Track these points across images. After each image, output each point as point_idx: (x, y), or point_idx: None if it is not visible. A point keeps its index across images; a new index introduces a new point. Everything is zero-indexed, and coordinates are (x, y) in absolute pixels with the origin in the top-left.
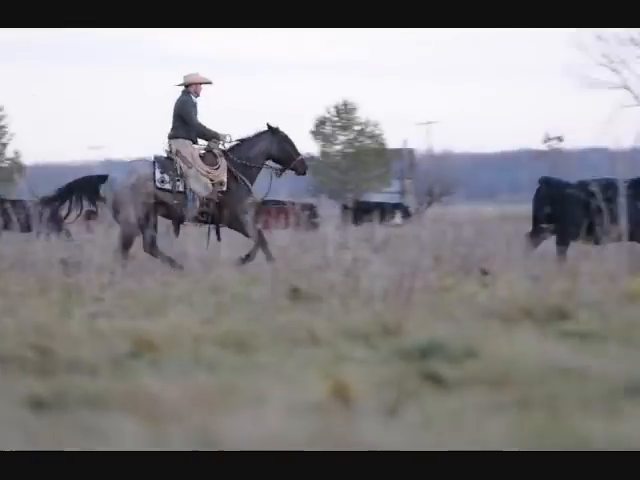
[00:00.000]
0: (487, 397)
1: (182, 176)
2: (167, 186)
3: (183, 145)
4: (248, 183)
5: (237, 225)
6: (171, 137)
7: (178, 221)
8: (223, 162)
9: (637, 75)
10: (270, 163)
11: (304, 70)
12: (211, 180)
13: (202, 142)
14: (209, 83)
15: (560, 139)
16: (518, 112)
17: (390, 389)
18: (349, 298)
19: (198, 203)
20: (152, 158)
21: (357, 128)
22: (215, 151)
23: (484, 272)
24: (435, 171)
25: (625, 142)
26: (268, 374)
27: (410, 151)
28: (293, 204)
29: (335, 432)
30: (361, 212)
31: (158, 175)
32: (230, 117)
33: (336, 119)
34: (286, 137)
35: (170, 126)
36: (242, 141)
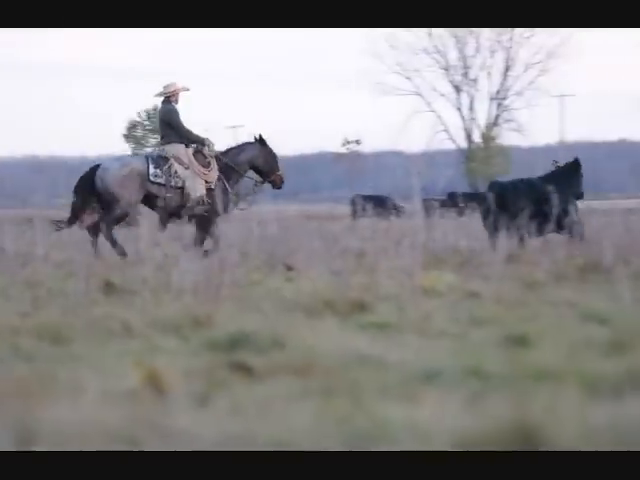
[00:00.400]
0: (293, 385)
1: (177, 175)
2: (160, 180)
3: (177, 148)
4: (230, 187)
5: (207, 223)
6: (164, 143)
7: (167, 214)
8: (214, 164)
9: (428, 83)
10: (251, 173)
11: (116, 74)
12: (205, 181)
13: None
14: (187, 90)
15: (358, 142)
16: (318, 116)
17: (200, 378)
18: (161, 292)
19: (193, 201)
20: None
21: None
22: (205, 153)
23: (288, 267)
24: None
25: (418, 145)
26: (84, 364)
27: None
28: None
29: (149, 419)
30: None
31: (152, 170)
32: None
33: (147, 123)
34: (271, 151)
35: (160, 134)
36: (230, 148)
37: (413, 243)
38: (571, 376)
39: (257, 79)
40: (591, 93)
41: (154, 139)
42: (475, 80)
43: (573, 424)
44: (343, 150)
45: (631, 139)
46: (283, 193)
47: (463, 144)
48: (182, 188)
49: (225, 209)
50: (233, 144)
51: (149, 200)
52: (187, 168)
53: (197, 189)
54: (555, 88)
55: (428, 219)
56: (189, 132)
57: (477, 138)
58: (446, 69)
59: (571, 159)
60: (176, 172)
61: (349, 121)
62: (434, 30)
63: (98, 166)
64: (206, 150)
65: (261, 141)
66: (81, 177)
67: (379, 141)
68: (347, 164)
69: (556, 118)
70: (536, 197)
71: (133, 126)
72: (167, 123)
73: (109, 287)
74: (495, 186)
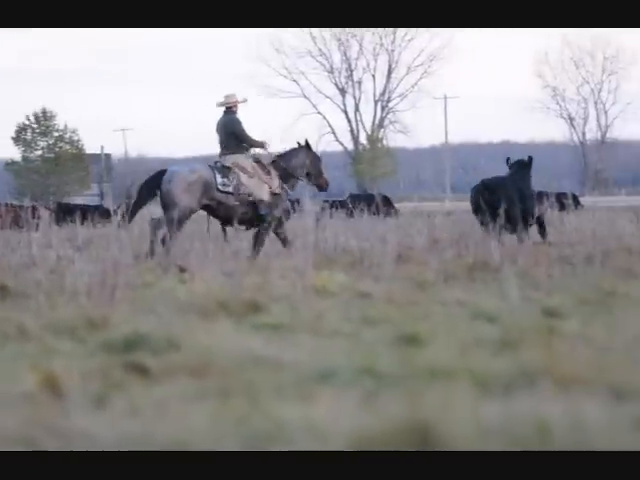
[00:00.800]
0: (190, 386)
1: (243, 184)
2: (229, 189)
3: (239, 159)
4: (289, 191)
5: (267, 229)
6: (226, 153)
7: (229, 221)
8: (273, 171)
9: (314, 85)
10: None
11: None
12: (269, 187)
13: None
14: (246, 101)
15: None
16: (207, 117)
17: (97, 380)
18: (55, 294)
19: (261, 207)
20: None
21: (56, 134)
22: (264, 162)
23: (182, 269)
24: (131, 174)
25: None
26: None
27: (107, 156)
28: (6, 205)
29: (46, 421)
30: (63, 214)
31: (219, 179)
32: None
33: (36, 126)
34: (317, 155)
35: (222, 143)
36: (283, 153)
37: (304, 243)
38: (463, 374)
39: (147, 80)
40: (475, 95)
41: (43, 142)
42: (359, 82)
43: (466, 421)
44: None
45: (514, 140)
46: None
47: (350, 146)
48: (249, 196)
49: (287, 215)
50: (283, 150)
51: (212, 208)
52: (252, 177)
53: (264, 196)
54: (438, 90)
55: (319, 220)
56: (252, 140)
57: (363, 140)
58: (331, 72)
59: (522, 157)
60: (242, 181)
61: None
62: (317, 33)
63: (165, 170)
64: (265, 155)
65: (308, 146)
66: (147, 179)
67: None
68: None
69: (441, 120)
70: (521, 195)
71: (22, 129)
72: (231, 132)
73: (3, 290)
74: (486, 185)
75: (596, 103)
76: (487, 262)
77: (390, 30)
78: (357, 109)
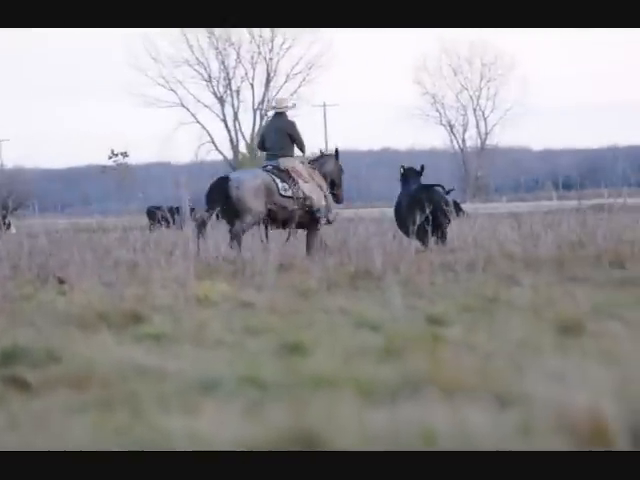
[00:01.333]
0: (71, 399)
1: (300, 188)
2: (289, 193)
3: (294, 162)
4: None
5: (317, 231)
6: (280, 156)
7: (287, 226)
8: (317, 175)
9: (192, 94)
10: None
11: None
12: (323, 191)
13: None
14: (295, 106)
15: (125, 154)
16: (84, 128)
17: None
18: None
19: (318, 212)
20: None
21: None
22: (310, 165)
23: (60, 280)
24: (7, 186)
25: (185, 156)
26: None
27: None
28: None
29: None
30: None
31: (280, 184)
32: None
33: None
34: (341, 167)
35: (273, 147)
36: (314, 159)
37: (185, 253)
38: (347, 382)
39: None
40: (355, 102)
41: None
42: (238, 91)
43: (351, 429)
44: (111, 163)
45: (395, 148)
46: (51, 206)
47: (230, 155)
48: (306, 200)
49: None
50: (312, 155)
51: (274, 212)
52: (307, 181)
53: (321, 200)
54: (318, 98)
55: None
56: (303, 142)
57: (243, 149)
58: (209, 80)
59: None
60: (300, 186)
61: (116, 133)
62: (195, 42)
63: (227, 177)
64: (308, 164)
65: (337, 155)
66: (211, 187)
67: (147, 153)
68: (115, 176)
69: (320, 128)
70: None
71: None
72: (288, 135)
73: None
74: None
75: (475, 110)
76: (369, 270)
77: (268, 38)
78: (236, 118)
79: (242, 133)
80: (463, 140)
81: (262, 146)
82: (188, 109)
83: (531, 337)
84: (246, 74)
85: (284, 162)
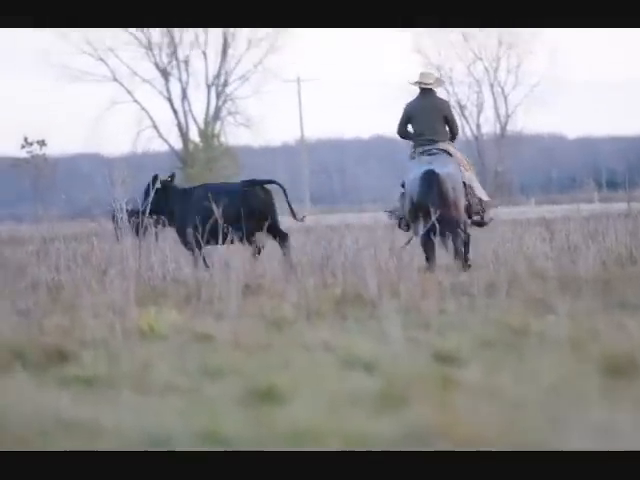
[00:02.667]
0: None
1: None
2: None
3: (453, 148)
4: None
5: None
6: (438, 141)
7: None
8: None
9: (127, 65)
10: None
11: None
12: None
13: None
14: (443, 84)
15: (42, 143)
16: None
17: None
18: None
19: (486, 205)
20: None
21: None
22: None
23: None
24: None
25: (121, 146)
26: None
27: None
28: None
29: None
30: None
31: (463, 172)
32: None
33: None
34: None
35: (430, 129)
36: None
37: (123, 272)
38: (334, 438)
39: None
40: (338, 78)
41: None
42: (186, 61)
43: None
44: (24, 154)
45: (388, 136)
46: None
47: (178, 144)
48: (476, 192)
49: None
50: None
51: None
52: (467, 170)
53: (484, 195)
54: (290, 71)
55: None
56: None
57: (195, 136)
58: (148, 47)
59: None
60: (466, 176)
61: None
62: None
63: (432, 171)
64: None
65: None
66: (426, 182)
67: (70, 141)
68: (30, 171)
69: (294, 110)
70: None
71: None
72: (443, 116)
73: None
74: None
75: (492, 86)
76: (360, 294)
77: None
78: (185, 96)
79: (193, 116)
80: (478, 125)
81: (404, 129)
82: (122, 84)
83: (570, 380)
84: (197, 39)
85: (446, 148)
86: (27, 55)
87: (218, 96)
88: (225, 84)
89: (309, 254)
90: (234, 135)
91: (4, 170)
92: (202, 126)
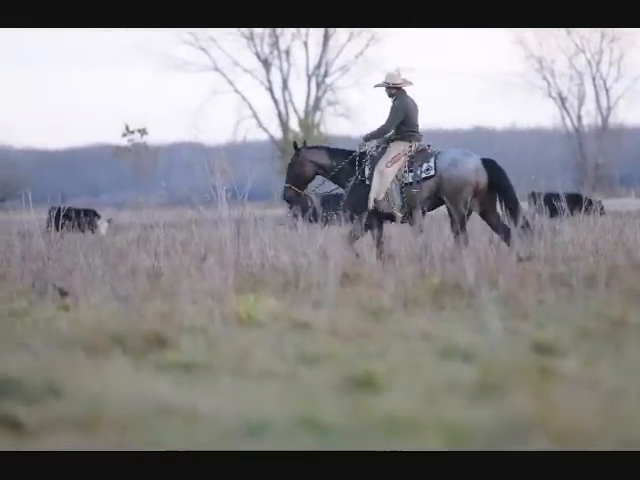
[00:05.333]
0: (75, 444)
1: None
2: None
3: None
4: None
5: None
6: (419, 138)
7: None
8: None
9: (229, 55)
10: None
11: None
12: None
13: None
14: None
15: (144, 132)
16: (90, 100)
17: None
18: None
19: None
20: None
21: None
22: None
23: (62, 292)
24: None
25: (221, 135)
26: None
27: None
28: None
29: None
30: None
31: None
32: None
33: None
34: None
35: (416, 127)
36: None
37: (222, 259)
38: (431, 427)
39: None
40: (437, 69)
41: None
42: (287, 52)
43: None
44: (125, 142)
45: (489, 126)
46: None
47: (278, 134)
48: None
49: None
50: None
51: None
52: None
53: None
54: (390, 62)
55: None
56: None
57: (295, 126)
58: (250, 38)
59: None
60: None
61: (130, 106)
62: None
63: (490, 160)
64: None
65: None
66: (496, 173)
67: (171, 130)
68: (131, 160)
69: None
70: None
71: None
72: (407, 116)
73: None
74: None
75: (594, 78)
76: (459, 284)
77: None
78: (285, 86)
79: (293, 106)
80: (579, 117)
81: (397, 125)
82: (224, 74)
83: None
84: (298, 30)
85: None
86: (128, 44)
87: (318, 86)
88: (326, 74)
89: (407, 244)
90: (334, 125)
91: (106, 158)
92: (302, 116)
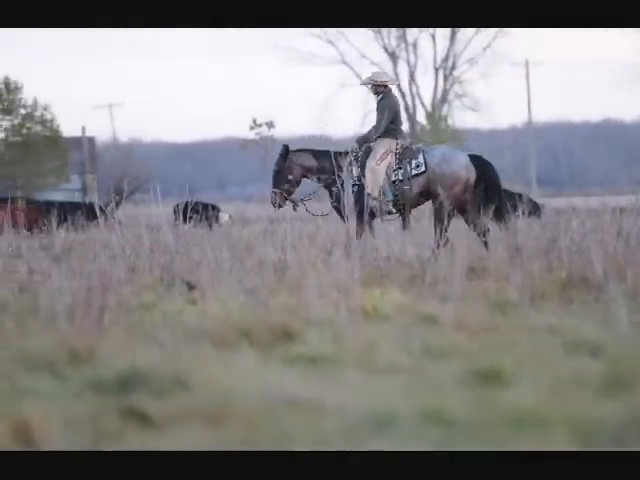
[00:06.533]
0: (203, 436)
1: None
2: None
3: None
4: None
5: None
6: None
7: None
8: None
9: (356, 48)
10: None
11: None
12: None
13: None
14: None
15: (271, 125)
16: (219, 93)
17: (84, 428)
18: (26, 318)
19: None
20: None
21: (23, 112)
22: None
23: (190, 286)
24: (122, 163)
25: (348, 128)
26: None
27: (90, 140)
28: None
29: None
30: (34, 213)
31: None
32: None
33: None
34: None
35: (393, 125)
36: None
37: (348, 253)
38: (558, 421)
39: (141, 45)
40: (567, 60)
41: (7, 121)
42: (415, 45)
43: None
44: (253, 135)
45: (618, 119)
46: (177, 190)
47: (404, 126)
48: None
49: None
50: None
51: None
52: None
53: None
54: (518, 54)
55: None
56: None
57: (422, 119)
58: (377, 31)
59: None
60: None
61: (258, 99)
62: None
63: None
64: None
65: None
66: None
67: (298, 123)
68: (259, 153)
69: (522, 93)
70: None
71: None
72: (396, 114)
73: None
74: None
75: None
76: (586, 277)
77: None
78: (412, 79)
79: (420, 98)
80: None
81: (385, 125)
82: (351, 67)
83: None
84: None
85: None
86: (257, 39)
87: (446, 79)
88: (453, 67)
89: (535, 237)
90: (461, 118)
91: (233, 151)
92: (429, 109)
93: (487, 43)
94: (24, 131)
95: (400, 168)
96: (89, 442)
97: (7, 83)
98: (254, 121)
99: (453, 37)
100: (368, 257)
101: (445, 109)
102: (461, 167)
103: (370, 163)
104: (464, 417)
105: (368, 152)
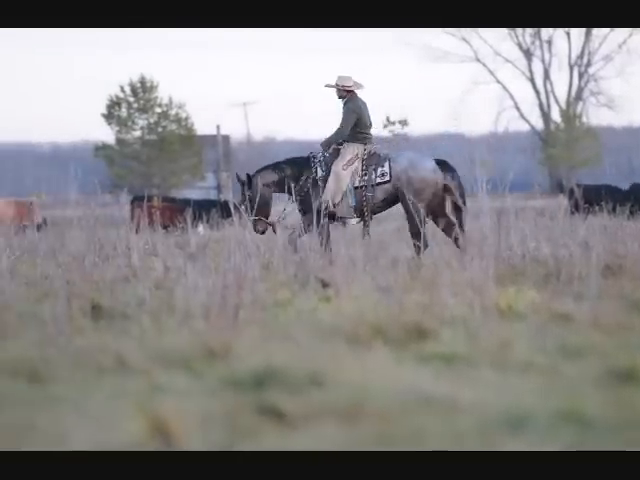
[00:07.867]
0: (337, 433)
1: None
2: None
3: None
4: None
5: None
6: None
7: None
8: None
9: (490, 45)
10: None
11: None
12: None
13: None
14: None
15: (404, 123)
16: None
17: (221, 425)
18: (163, 316)
19: None
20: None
21: (159, 110)
22: None
23: (324, 283)
24: (255, 161)
25: (481, 126)
26: (69, 409)
27: (225, 138)
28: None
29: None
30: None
31: None
32: None
33: (132, 100)
34: None
35: (364, 129)
36: None
37: (482, 251)
38: None
39: (275, 43)
40: None
41: (142, 120)
42: (549, 42)
43: None
44: (386, 133)
45: None
46: None
47: (539, 124)
48: None
49: None
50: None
51: None
52: None
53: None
54: None
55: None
56: None
57: (556, 116)
58: (511, 28)
59: None
60: None
61: (392, 96)
62: None
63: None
64: None
65: None
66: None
67: (431, 121)
68: (392, 150)
69: None
70: None
71: (115, 104)
72: (359, 118)
73: (96, 311)
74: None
75: None
76: None
77: None
78: (547, 77)
79: (555, 96)
80: None
81: (353, 126)
82: (485, 65)
83: None
84: None
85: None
86: (391, 36)
87: (581, 76)
88: (588, 64)
89: None
90: (596, 116)
91: None
92: (564, 106)
93: (622, 39)
94: (160, 129)
95: (365, 175)
96: (225, 439)
97: (143, 82)
98: (387, 119)
99: (588, 34)
100: (502, 255)
101: (580, 107)
102: (428, 171)
103: (336, 167)
104: (600, 417)
105: (336, 155)
